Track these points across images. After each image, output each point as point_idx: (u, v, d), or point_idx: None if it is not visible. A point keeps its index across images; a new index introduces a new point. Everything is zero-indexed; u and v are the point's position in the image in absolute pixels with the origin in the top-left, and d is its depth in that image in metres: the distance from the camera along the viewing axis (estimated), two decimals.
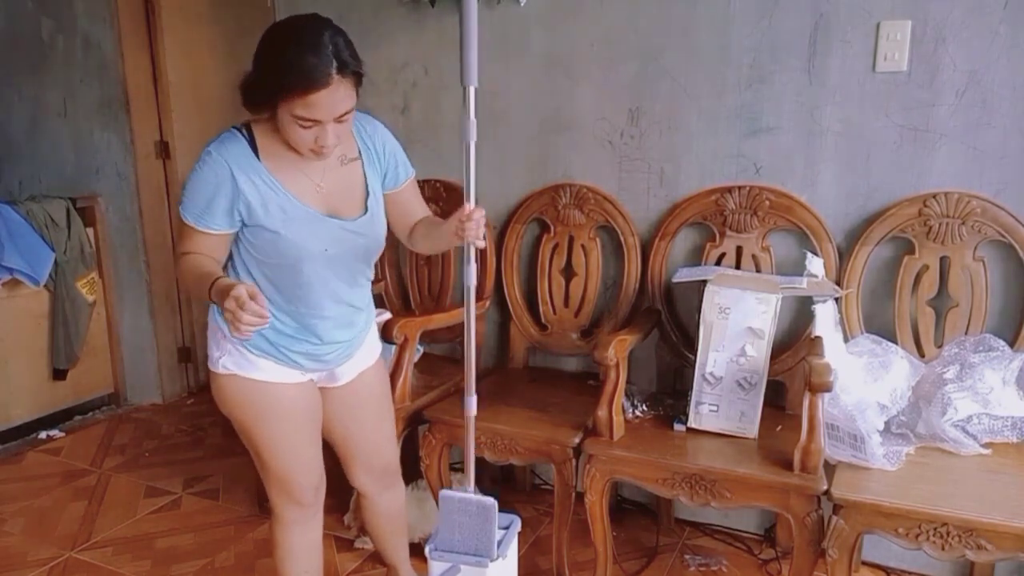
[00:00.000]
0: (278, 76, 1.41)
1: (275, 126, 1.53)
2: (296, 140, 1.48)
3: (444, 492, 1.59)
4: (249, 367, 1.63)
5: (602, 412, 1.99)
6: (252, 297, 1.32)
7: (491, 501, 1.57)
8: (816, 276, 2.09)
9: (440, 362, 2.67)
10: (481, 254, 2.59)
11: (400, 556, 2.05)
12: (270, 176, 1.54)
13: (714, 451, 1.95)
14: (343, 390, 1.79)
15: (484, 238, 1.54)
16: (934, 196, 2.07)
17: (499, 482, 2.76)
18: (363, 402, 1.84)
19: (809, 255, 2.12)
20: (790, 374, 2.21)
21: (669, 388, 2.38)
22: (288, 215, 1.54)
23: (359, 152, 1.66)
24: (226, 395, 1.66)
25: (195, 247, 1.55)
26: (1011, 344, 2.02)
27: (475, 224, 1.50)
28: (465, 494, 1.59)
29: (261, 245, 1.57)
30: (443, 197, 2.65)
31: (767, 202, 2.23)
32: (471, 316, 1.58)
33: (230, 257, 1.62)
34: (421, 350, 2.54)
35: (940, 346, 2.09)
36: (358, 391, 1.82)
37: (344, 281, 1.66)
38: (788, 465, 1.82)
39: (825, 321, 2.02)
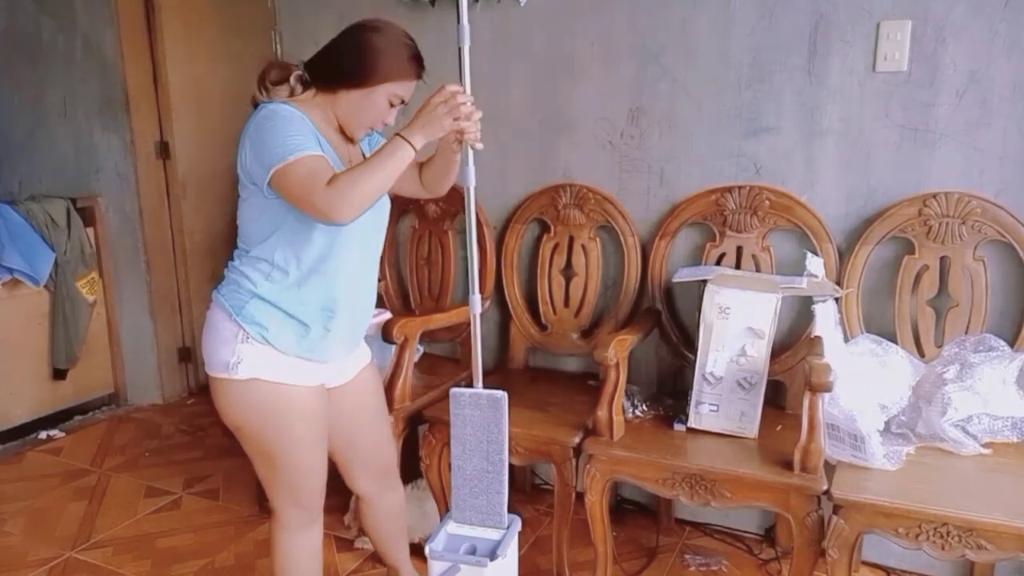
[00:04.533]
0: (398, 61, 1.59)
1: (329, 103, 1.61)
2: (372, 115, 1.62)
3: (454, 390, 1.67)
4: (272, 369, 1.60)
5: (602, 412, 1.99)
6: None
7: (501, 393, 1.63)
8: (816, 276, 2.09)
9: (440, 362, 2.67)
10: (481, 254, 2.59)
11: (401, 557, 2.05)
12: (327, 144, 1.59)
13: (714, 451, 1.95)
14: (344, 389, 1.79)
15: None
16: (934, 196, 2.07)
17: None
18: (362, 401, 1.85)
19: (809, 255, 2.12)
20: (790, 374, 2.21)
21: (669, 388, 2.38)
22: None
23: None
24: (243, 400, 1.61)
25: (326, 169, 1.47)
26: (1011, 344, 2.02)
27: (474, 125, 1.62)
28: (475, 389, 1.66)
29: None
30: (443, 196, 2.64)
31: (767, 202, 2.23)
32: (472, 220, 1.67)
33: (267, 241, 1.59)
34: (421, 350, 2.54)
35: (940, 346, 2.09)
36: (358, 390, 1.82)
37: (374, 248, 1.74)
38: (788, 465, 1.82)
39: (825, 321, 2.02)
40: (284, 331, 1.60)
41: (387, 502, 1.95)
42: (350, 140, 1.70)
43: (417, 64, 1.63)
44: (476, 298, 1.70)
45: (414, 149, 1.50)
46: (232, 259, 1.68)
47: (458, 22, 1.56)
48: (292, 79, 1.63)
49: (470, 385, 1.73)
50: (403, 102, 1.64)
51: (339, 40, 1.63)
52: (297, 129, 1.51)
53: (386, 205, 1.77)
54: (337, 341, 1.69)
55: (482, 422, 1.66)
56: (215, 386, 1.64)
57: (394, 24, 1.64)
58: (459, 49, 1.58)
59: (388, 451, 1.95)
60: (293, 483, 1.71)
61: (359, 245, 1.67)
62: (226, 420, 1.67)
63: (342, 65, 1.59)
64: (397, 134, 1.50)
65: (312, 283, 1.61)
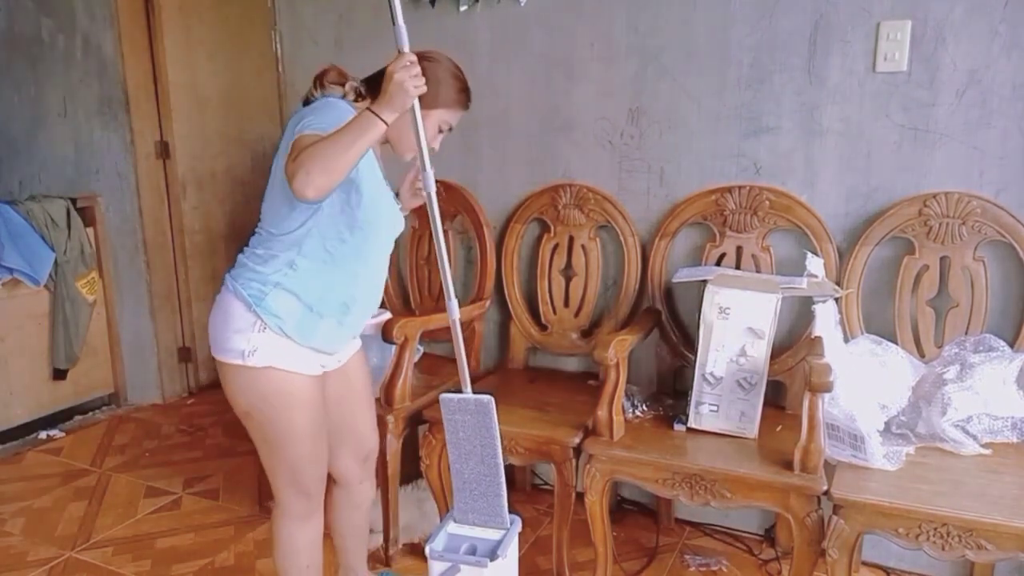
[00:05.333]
0: (451, 91, 1.70)
1: None
2: (417, 139, 1.60)
3: (443, 395, 1.68)
4: (285, 358, 1.64)
5: (602, 412, 1.99)
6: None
7: (488, 398, 1.64)
8: (816, 276, 2.09)
9: (440, 362, 2.67)
10: (481, 254, 2.59)
11: (360, 556, 2.08)
12: (372, 154, 1.65)
13: (714, 451, 1.95)
14: (339, 373, 1.83)
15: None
16: (934, 196, 2.07)
17: None
18: (353, 384, 1.89)
19: (809, 255, 2.12)
20: (790, 374, 2.21)
21: (669, 388, 2.38)
22: (377, 183, 1.67)
23: None
24: (254, 387, 1.65)
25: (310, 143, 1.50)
26: (1011, 344, 2.02)
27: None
28: (463, 394, 1.67)
29: (356, 204, 1.62)
30: (442, 196, 2.60)
31: (767, 202, 2.23)
32: (438, 225, 1.64)
33: (299, 229, 1.61)
34: (421, 350, 2.54)
35: (940, 346, 2.09)
36: (350, 375, 1.87)
37: (389, 252, 1.79)
38: (788, 465, 1.82)
39: (825, 321, 2.02)
40: (300, 323, 1.64)
41: (363, 490, 2.00)
42: None
43: (466, 96, 1.74)
44: (453, 304, 1.69)
45: (385, 124, 1.45)
46: (249, 245, 1.69)
47: (393, 23, 1.49)
48: (347, 86, 1.69)
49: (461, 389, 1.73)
50: (450, 129, 1.75)
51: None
52: (335, 115, 1.54)
53: (401, 216, 1.82)
54: (346, 333, 1.76)
55: (473, 426, 1.66)
56: (226, 371, 1.66)
57: (447, 57, 1.73)
58: (398, 51, 1.50)
59: (373, 436, 2.00)
60: (295, 469, 1.75)
61: (381, 249, 1.75)
62: (235, 406, 1.70)
63: None
64: (368, 109, 1.45)
65: (335, 279, 1.66)
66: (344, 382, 1.85)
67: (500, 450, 1.66)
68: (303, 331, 1.64)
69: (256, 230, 1.69)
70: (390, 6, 1.48)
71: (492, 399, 1.64)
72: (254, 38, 3.68)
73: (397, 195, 1.81)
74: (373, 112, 1.44)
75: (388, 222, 1.72)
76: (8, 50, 3.62)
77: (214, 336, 1.67)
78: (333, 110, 1.58)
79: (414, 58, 1.46)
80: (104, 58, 3.40)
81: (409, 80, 1.43)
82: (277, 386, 1.66)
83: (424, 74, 1.55)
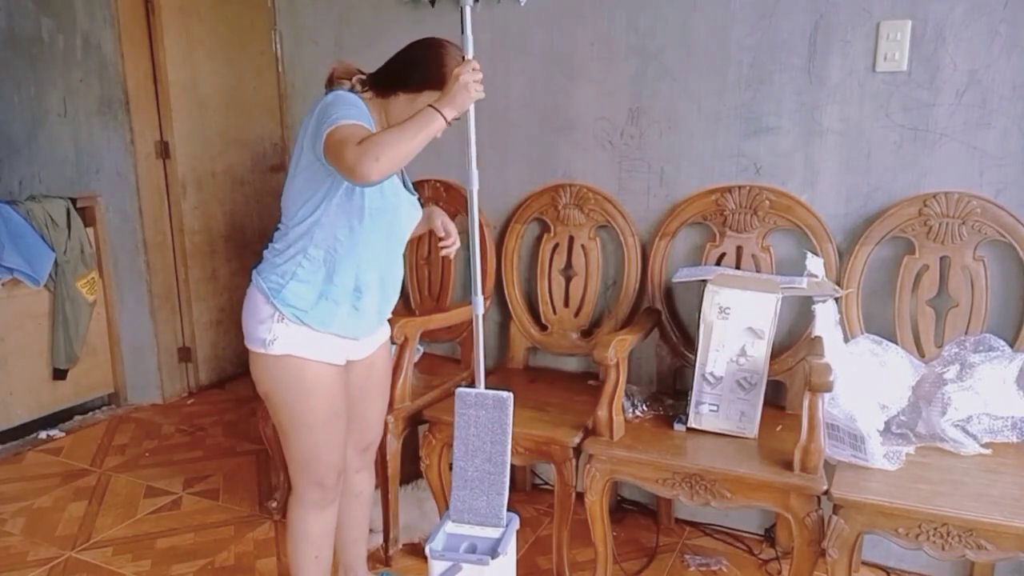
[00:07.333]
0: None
1: (384, 106, 1.73)
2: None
3: (460, 390, 1.73)
4: (304, 346, 1.70)
5: (602, 412, 1.99)
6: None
7: (507, 394, 1.68)
8: (816, 276, 2.09)
9: (440, 362, 2.67)
10: (481, 254, 2.58)
11: (359, 553, 2.09)
12: None
13: (714, 451, 1.95)
14: (362, 362, 1.87)
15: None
16: (934, 196, 2.07)
17: None
18: (373, 376, 1.93)
19: (809, 255, 2.12)
20: (790, 374, 2.22)
21: (669, 388, 2.38)
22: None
23: None
24: (274, 374, 1.72)
25: (365, 133, 1.56)
26: (1011, 344, 2.02)
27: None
28: (481, 390, 1.71)
29: (362, 193, 1.67)
30: (443, 197, 2.65)
31: (767, 202, 2.23)
32: (475, 223, 1.71)
33: (308, 220, 1.67)
34: (421, 350, 2.54)
35: (940, 346, 2.10)
36: (372, 365, 1.91)
37: (403, 240, 1.85)
38: (788, 465, 1.82)
39: (825, 321, 2.02)
40: (318, 310, 1.70)
41: (361, 480, 2.02)
42: None
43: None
44: (479, 299, 1.74)
45: (446, 121, 1.55)
46: (272, 240, 1.77)
47: (462, 32, 1.65)
48: (354, 79, 1.77)
49: (471, 385, 1.74)
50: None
51: (412, 49, 1.76)
52: (355, 107, 1.63)
53: (417, 206, 1.86)
54: (366, 319, 1.79)
55: (486, 422, 1.68)
56: (252, 358, 1.76)
57: (459, 48, 1.75)
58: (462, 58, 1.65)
59: (379, 429, 2.04)
60: (309, 456, 1.78)
61: (392, 235, 1.78)
62: (258, 388, 1.79)
63: (410, 70, 1.71)
64: (430, 105, 1.55)
65: (346, 265, 1.71)
66: (366, 372, 1.90)
67: (509, 448, 1.68)
68: (321, 318, 1.70)
69: (277, 226, 1.77)
70: (461, 17, 1.64)
71: (511, 395, 1.66)
72: (254, 38, 3.68)
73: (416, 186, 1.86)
74: (435, 108, 1.54)
75: (396, 211, 1.75)
76: (8, 50, 3.61)
77: (243, 327, 1.76)
78: (347, 101, 1.64)
79: (478, 65, 1.59)
80: (104, 58, 3.40)
81: (473, 84, 1.56)
82: (294, 373, 1.72)
83: (439, 58, 1.66)
